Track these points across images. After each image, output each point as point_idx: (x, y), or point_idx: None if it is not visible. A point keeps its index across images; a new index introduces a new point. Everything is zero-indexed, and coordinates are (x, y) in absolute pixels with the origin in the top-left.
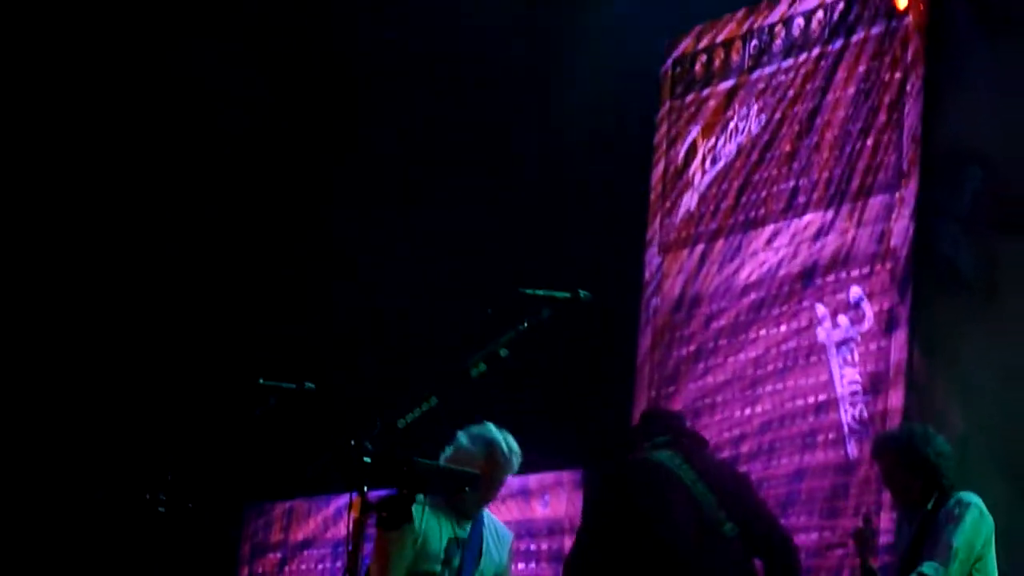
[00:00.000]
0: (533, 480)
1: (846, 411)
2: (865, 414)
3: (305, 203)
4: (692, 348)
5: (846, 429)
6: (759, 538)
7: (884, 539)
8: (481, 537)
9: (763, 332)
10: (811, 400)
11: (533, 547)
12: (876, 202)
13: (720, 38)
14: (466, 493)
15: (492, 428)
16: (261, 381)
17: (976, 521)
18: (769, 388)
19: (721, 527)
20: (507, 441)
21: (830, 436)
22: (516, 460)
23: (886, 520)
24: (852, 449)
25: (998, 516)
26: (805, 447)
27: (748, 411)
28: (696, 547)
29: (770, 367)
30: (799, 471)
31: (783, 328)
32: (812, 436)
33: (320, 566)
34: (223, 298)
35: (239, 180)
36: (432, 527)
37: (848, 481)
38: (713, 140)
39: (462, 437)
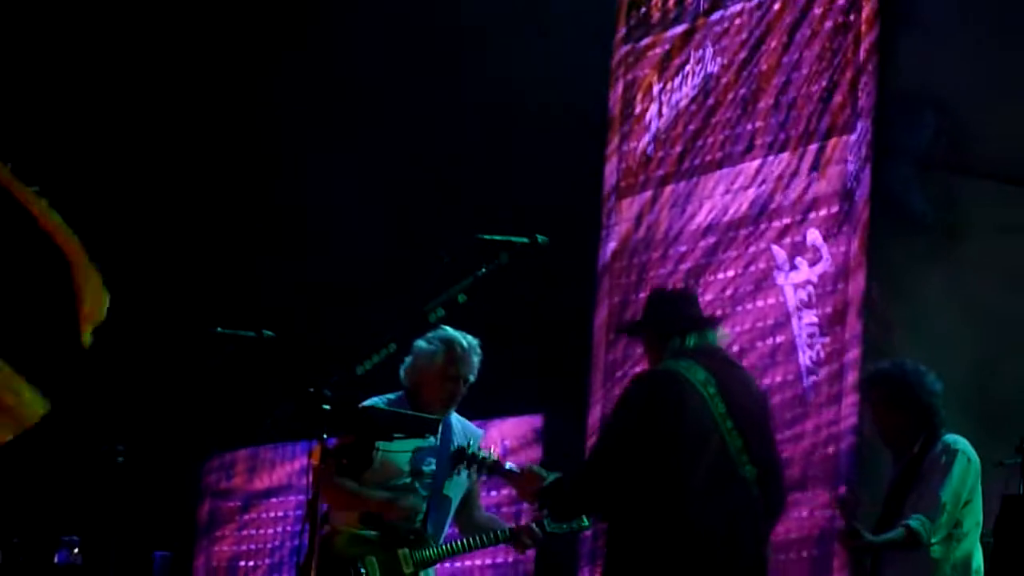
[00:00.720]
0: (493, 427)
1: (803, 352)
2: (822, 355)
3: (256, 151)
4: (649, 292)
5: (803, 370)
6: (768, 486)
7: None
8: (451, 441)
9: (720, 275)
10: (769, 342)
11: (494, 493)
12: (832, 144)
13: None
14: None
15: (448, 328)
16: (219, 329)
17: (964, 470)
18: (727, 330)
19: (742, 468)
20: (465, 338)
21: (788, 377)
22: (475, 357)
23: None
24: (810, 391)
25: None
26: (767, 389)
27: None
28: (709, 482)
29: (727, 310)
30: None
31: (740, 271)
32: (771, 377)
33: (280, 513)
34: (179, 248)
35: (188, 129)
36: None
37: (805, 424)
38: (669, 83)
39: (419, 342)
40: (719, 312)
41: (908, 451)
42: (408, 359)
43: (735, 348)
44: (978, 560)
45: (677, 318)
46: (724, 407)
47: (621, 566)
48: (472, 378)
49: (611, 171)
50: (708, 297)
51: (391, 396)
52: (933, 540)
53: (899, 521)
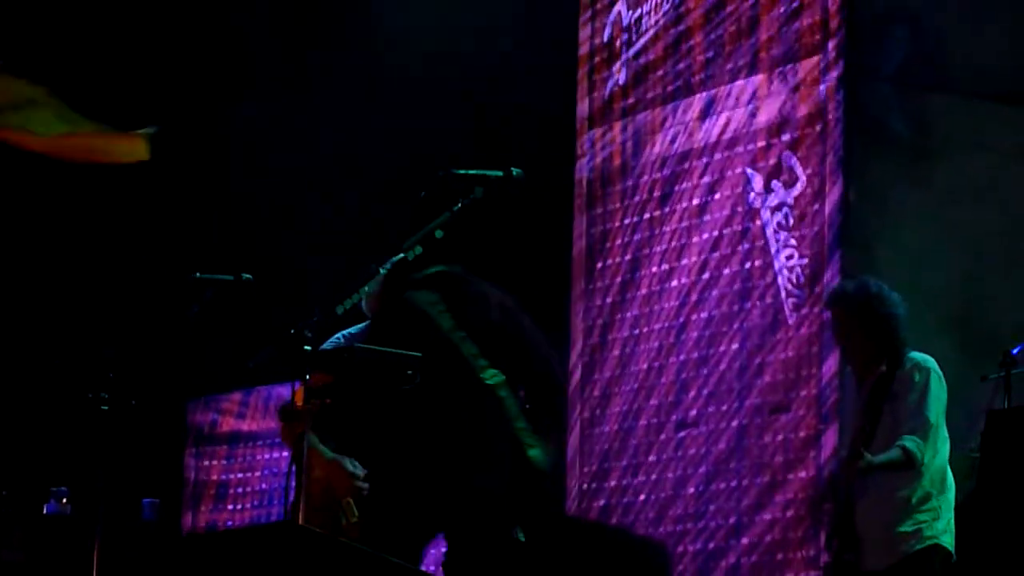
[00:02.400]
0: None
1: (782, 275)
2: (802, 278)
3: (231, 86)
4: (627, 220)
5: (783, 293)
6: (522, 374)
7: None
8: None
9: (695, 201)
10: (747, 265)
11: None
12: (805, 65)
13: None
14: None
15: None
16: (197, 275)
17: (938, 387)
18: (704, 256)
19: (481, 373)
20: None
21: (768, 300)
22: None
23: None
24: (790, 313)
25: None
26: (743, 312)
27: (684, 279)
28: (450, 391)
29: (705, 235)
30: (740, 334)
31: (716, 196)
32: (751, 301)
33: (267, 456)
34: (155, 194)
35: (155, 76)
36: None
37: (787, 349)
38: (639, 10)
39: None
40: (695, 238)
41: (873, 370)
42: (365, 288)
43: (709, 274)
44: (951, 474)
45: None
46: (452, 321)
47: (390, 485)
48: None
49: (583, 101)
50: (686, 222)
51: (353, 330)
52: (925, 459)
53: (873, 440)
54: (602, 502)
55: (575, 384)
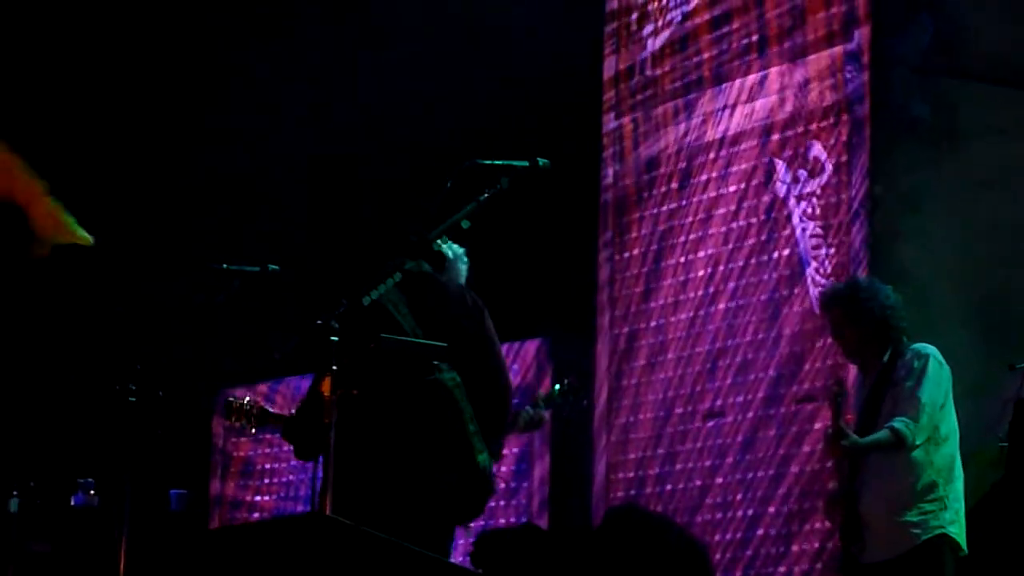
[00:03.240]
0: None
1: (809, 264)
2: (828, 267)
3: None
4: (653, 211)
5: (810, 282)
6: (477, 383)
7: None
8: None
9: (723, 191)
10: (775, 255)
11: None
12: (830, 54)
13: None
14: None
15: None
16: (224, 266)
17: (937, 372)
18: (731, 246)
19: (436, 372)
20: (451, 248)
21: (795, 290)
22: (463, 266)
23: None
24: (816, 303)
25: (962, 364)
26: (773, 302)
27: (711, 270)
28: (404, 385)
29: (733, 224)
30: (767, 324)
31: (743, 185)
32: (778, 291)
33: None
34: (183, 186)
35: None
36: None
37: (815, 340)
38: (666, 1)
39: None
40: (723, 228)
41: (876, 363)
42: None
43: (740, 263)
44: (959, 465)
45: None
46: (413, 320)
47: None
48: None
49: (610, 91)
50: (717, 211)
51: None
52: (917, 441)
53: (875, 429)
54: (633, 492)
55: (606, 375)
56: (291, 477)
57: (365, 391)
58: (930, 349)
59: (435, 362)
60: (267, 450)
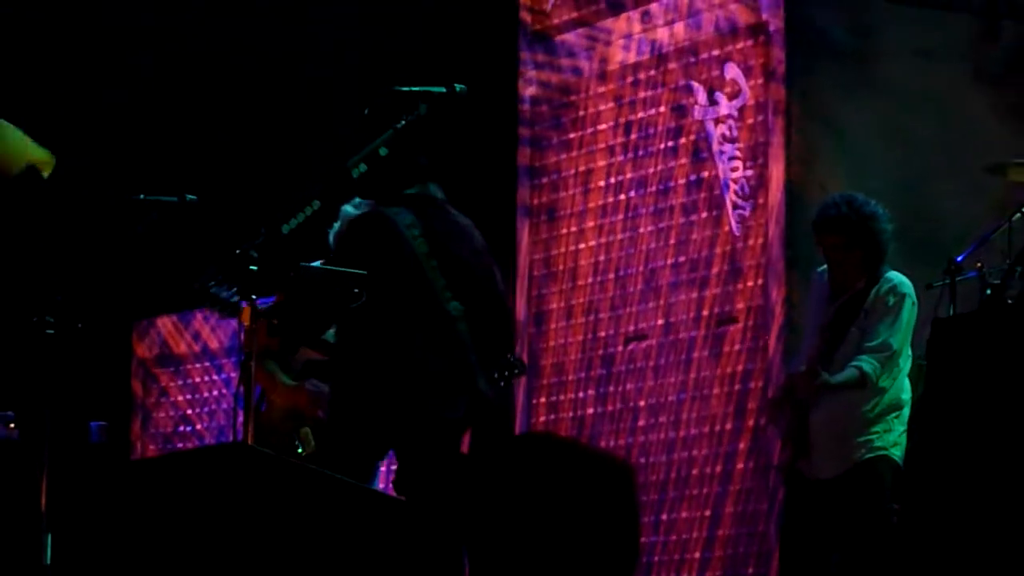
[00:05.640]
0: None
1: (728, 186)
2: (747, 188)
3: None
4: (569, 136)
5: (729, 205)
6: (481, 316)
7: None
8: None
9: (640, 114)
10: (692, 177)
11: None
12: None
13: None
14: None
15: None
16: (142, 196)
17: (910, 314)
18: (650, 170)
19: (446, 304)
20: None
21: (714, 212)
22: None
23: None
24: (736, 225)
25: None
26: (689, 224)
27: (632, 193)
28: (414, 317)
29: (650, 148)
30: (680, 243)
31: (660, 109)
32: (696, 214)
33: (214, 377)
34: (98, 113)
35: None
36: None
37: (734, 259)
38: None
39: (347, 208)
40: (642, 152)
41: (851, 285)
42: (336, 225)
43: (658, 186)
44: (908, 389)
45: (405, 170)
46: (427, 248)
47: (345, 404)
48: None
49: (525, 15)
50: (632, 136)
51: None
52: (881, 384)
53: (836, 354)
54: (553, 416)
55: (524, 300)
56: (215, 406)
57: (286, 321)
58: (907, 287)
59: (356, 290)
60: (187, 379)
